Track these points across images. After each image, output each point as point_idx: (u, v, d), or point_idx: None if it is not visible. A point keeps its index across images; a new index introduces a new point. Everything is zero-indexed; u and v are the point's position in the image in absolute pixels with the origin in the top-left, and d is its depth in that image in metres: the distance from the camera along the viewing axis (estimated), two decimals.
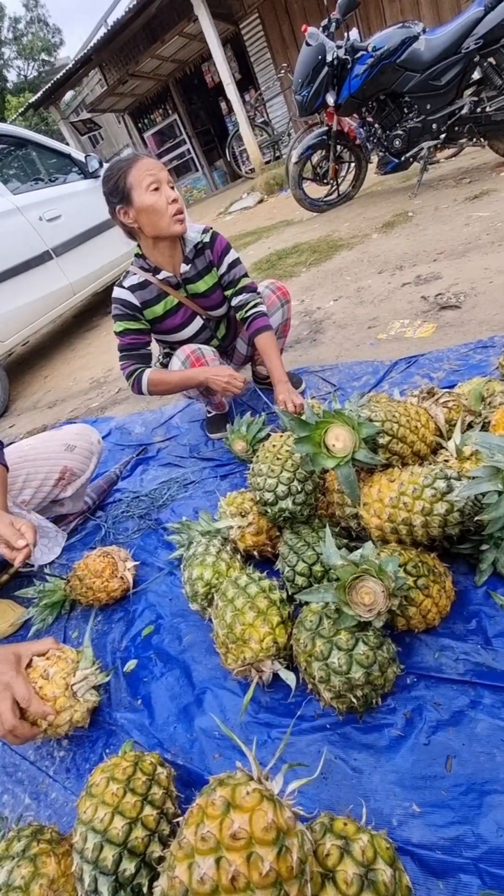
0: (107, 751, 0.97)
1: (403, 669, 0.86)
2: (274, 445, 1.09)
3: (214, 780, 0.57)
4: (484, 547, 0.94)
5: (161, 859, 0.67)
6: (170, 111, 12.15)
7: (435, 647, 0.90)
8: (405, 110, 3.97)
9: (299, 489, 1.00)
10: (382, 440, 0.93)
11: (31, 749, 1.04)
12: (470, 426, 1.10)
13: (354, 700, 0.79)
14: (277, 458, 1.05)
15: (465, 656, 0.87)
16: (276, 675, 0.90)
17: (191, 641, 1.13)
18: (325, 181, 4.81)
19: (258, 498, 1.05)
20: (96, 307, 5.52)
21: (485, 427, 1.06)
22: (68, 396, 3.47)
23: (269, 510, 1.03)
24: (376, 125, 4.17)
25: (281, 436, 1.14)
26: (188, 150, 12.33)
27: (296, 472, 1.02)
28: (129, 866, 0.66)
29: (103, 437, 2.55)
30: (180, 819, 0.57)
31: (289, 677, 0.87)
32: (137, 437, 2.45)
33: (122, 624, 1.25)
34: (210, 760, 0.88)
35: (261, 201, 7.78)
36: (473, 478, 0.78)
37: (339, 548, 0.85)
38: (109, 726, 1.01)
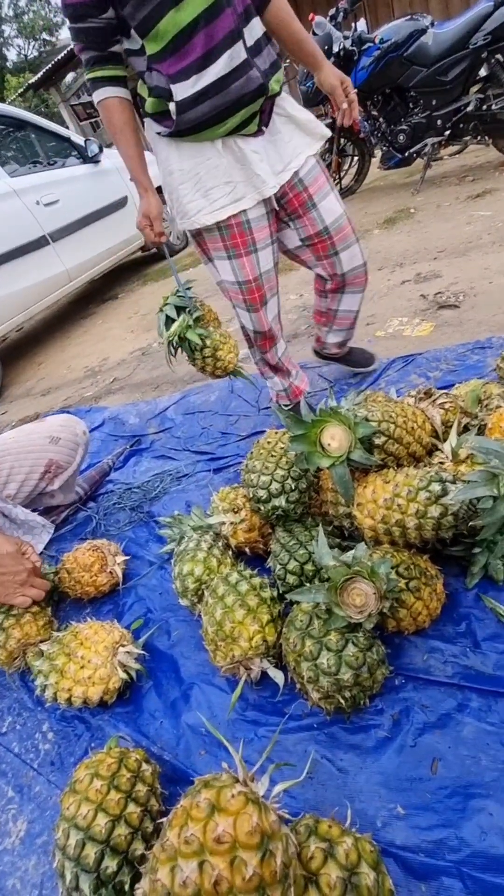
0: (92, 745, 0.96)
1: (392, 671, 0.86)
2: (269, 442, 1.08)
3: (200, 782, 0.57)
4: (476, 550, 0.94)
5: (143, 858, 0.67)
6: None
7: (424, 649, 0.90)
8: (410, 105, 3.93)
9: (293, 487, 0.99)
10: (378, 440, 0.92)
11: (15, 741, 1.03)
12: (466, 428, 1.09)
13: (342, 701, 0.78)
14: (272, 456, 1.04)
15: (453, 659, 0.87)
16: (264, 674, 0.90)
17: (180, 637, 1.12)
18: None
19: (251, 495, 1.04)
20: (93, 295, 5.45)
21: (481, 430, 1.05)
22: (62, 384, 3.44)
23: (262, 507, 1.02)
24: (381, 119, 4.12)
25: (276, 433, 1.13)
26: None
27: (290, 470, 1.01)
28: (111, 864, 0.65)
29: (96, 428, 2.53)
30: (163, 820, 0.57)
31: (277, 676, 0.87)
32: (131, 428, 2.43)
33: (111, 617, 1.24)
34: (196, 757, 0.88)
35: None
36: (469, 482, 0.78)
37: (332, 547, 0.85)
38: (96, 720, 1.00)
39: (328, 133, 1.34)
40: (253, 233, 1.30)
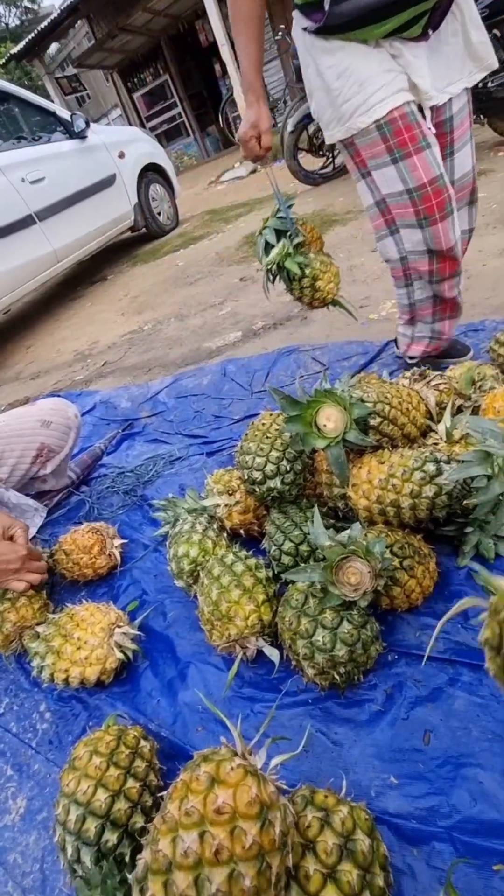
0: (90, 724, 0.97)
1: (385, 647, 0.87)
2: (263, 424, 1.07)
3: (199, 756, 0.58)
4: (468, 529, 0.95)
5: (143, 830, 0.68)
6: (161, 71, 11.57)
7: (416, 625, 0.92)
8: None
9: (288, 469, 0.99)
10: (373, 421, 0.92)
11: (13, 721, 1.04)
12: (459, 410, 1.10)
13: (337, 676, 0.80)
14: (266, 437, 1.03)
15: (445, 635, 0.89)
16: (259, 652, 0.91)
17: (175, 617, 1.13)
18: (320, 153, 4.67)
19: (246, 476, 1.04)
20: (82, 275, 5.35)
21: (475, 411, 1.06)
22: (52, 368, 3.39)
23: (257, 489, 1.02)
24: None
25: (271, 414, 1.13)
26: (179, 113, 11.82)
27: (285, 451, 1.00)
28: (111, 837, 0.67)
29: (88, 412, 2.50)
30: (164, 793, 0.58)
31: (273, 654, 0.88)
32: (123, 411, 2.41)
33: (107, 599, 1.24)
34: (193, 734, 0.89)
35: (253, 171, 7.54)
36: (463, 461, 0.78)
37: (327, 528, 0.85)
38: (93, 699, 1.01)
39: (496, 64, 1.12)
40: (422, 125, 1.06)
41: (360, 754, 0.78)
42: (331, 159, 4.75)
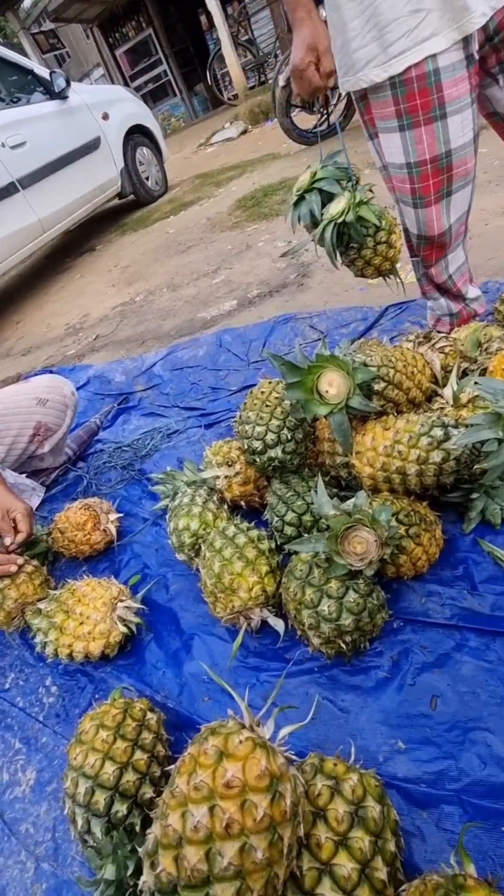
0: (96, 697, 0.97)
1: (391, 615, 0.86)
2: (263, 392, 1.03)
3: (206, 729, 0.56)
4: (474, 496, 0.93)
5: (153, 801, 0.68)
6: (144, 24, 10.89)
7: (422, 592, 0.91)
8: None
9: (289, 437, 0.96)
10: (378, 386, 0.88)
11: (19, 696, 1.04)
12: (465, 373, 1.06)
13: (343, 645, 0.79)
14: (266, 406, 1.00)
15: (451, 601, 0.88)
16: (264, 623, 0.90)
17: (178, 590, 1.12)
18: (314, 110, 4.44)
19: (246, 447, 1.01)
20: (69, 246, 5.16)
21: (482, 374, 1.02)
22: (42, 343, 3.30)
23: (258, 459, 0.99)
24: None
25: (270, 382, 1.08)
26: (165, 71, 11.20)
27: (285, 419, 0.97)
28: (121, 808, 0.67)
29: (81, 387, 2.45)
30: (171, 767, 0.57)
31: (277, 624, 0.87)
32: (118, 385, 2.36)
33: (108, 574, 1.23)
34: (200, 704, 0.89)
35: (244, 132, 7.21)
36: (473, 425, 0.75)
37: (330, 497, 0.83)
38: (99, 672, 1.01)
39: None
40: (442, 89, 0.93)
41: (367, 721, 0.78)
42: (325, 116, 4.52)
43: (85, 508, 1.23)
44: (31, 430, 1.54)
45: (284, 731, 0.59)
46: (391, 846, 0.56)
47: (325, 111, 4.48)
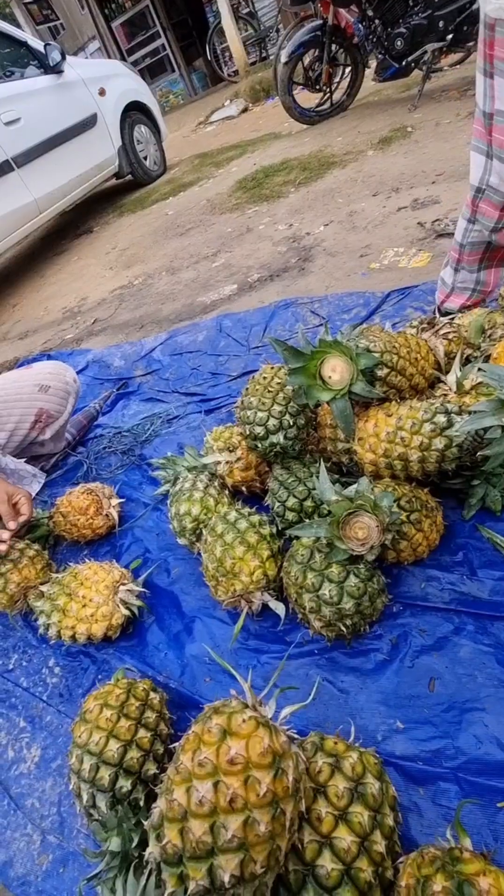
0: (99, 677, 0.99)
1: (391, 599, 0.87)
2: (265, 377, 1.03)
3: (210, 709, 0.57)
4: (475, 482, 0.93)
5: (156, 777, 0.70)
6: None
7: (422, 577, 0.92)
8: (410, 3, 3.51)
9: (291, 423, 0.96)
10: (381, 372, 0.88)
11: (23, 677, 1.06)
12: (468, 360, 1.05)
13: (343, 628, 0.80)
14: (268, 391, 0.99)
15: (450, 586, 0.89)
16: (265, 606, 0.91)
17: (179, 574, 1.13)
18: (317, 87, 4.33)
19: (248, 432, 1.01)
20: (65, 228, 5.07)
21: (486, 361, 1.01)
22: (40, 327, 3.27)
23: (260, 445, 0.99)
24: (377, 21, 3.70)
25: (272, 367, 1.08)
26: (163, 45, 10.87)
27: (287, 405, 0.97)
28: (125, 784, 0.68)
29: (80, 371, 2.43)
30: (175, 745, 0.58)
31: (278, 607, 0.88)
32: (117, 370, 2.34)
33: (110, 558, 1.24)
34: (201, 684, 0.91)
35: (245, 110, 7.04)
36: (476, 412, 0.75)
37: (332, 483, 0.83)
38: (101, 653, 1.02)
39: None
40: None
41: (366, 701, 0.79)
42: (328, 94, 4.42)
43: (87, 493, 1.24)
44: (33, 417, 1.53)
45: (286, 711, 0.60)
46: (389, 821, 0.58)
47: (328, 89, 4.37)
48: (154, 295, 2.93)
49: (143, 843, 0.60)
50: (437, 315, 1.50)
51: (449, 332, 1.04)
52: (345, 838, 0.54)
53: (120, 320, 2.83)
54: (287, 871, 0.54)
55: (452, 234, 2.23)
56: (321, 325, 1.96)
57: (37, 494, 1.58)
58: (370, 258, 2.30)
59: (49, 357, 2.62)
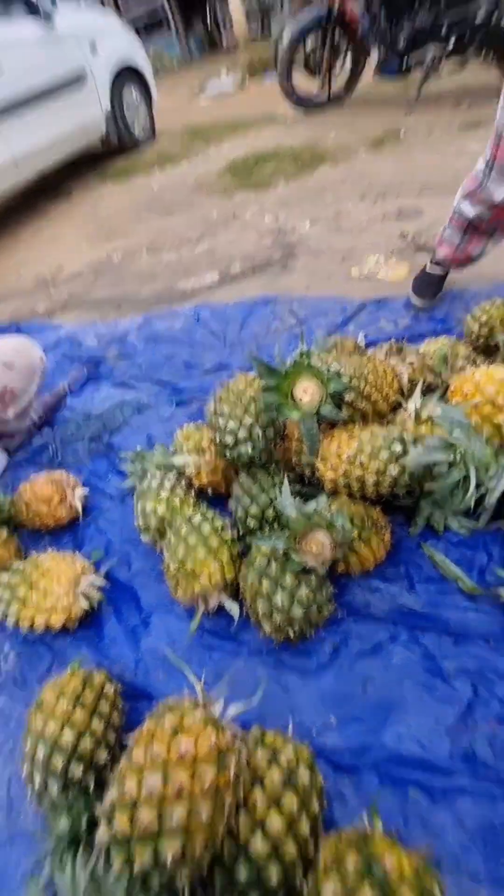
0: (55, 664, 1.02)
1: (336, 608, 0.95)
2: (239, 388, 1.07)
3: (163, 706, 0.63)
4: (422, 503, 1.01)
5: (106, 764, 0.75)
6: None
7: (366, 587, 1.00)
8: (417, 2, 3.51)
9: (260, 436, 1.01)
10: (348, 397, 0.93)
11: None
12: (430, 388, 1.13)
13: (292, 633, 0.87)
14: (240, 402, 1.03)
15: (390, 597, 0.97)
16: (220, 605, 0.97)
17: (139, 568, 1.17)
18: (317, 74, 4.28)
19: (218, 439, 1.05)
20: (44, 189, 4.83)
21: (445, 390, 1.09)
22: (8, 295, 3.14)
23: (229, 453, 1.03)
24: (382, 15, 3.67)
25: (245, 377, 1.12)
26: (162, 5, 10.32)
27: (258, 417, 1.01)
28: (76, 770, 0.73)
29: (51, 348, 2.37)
30: (128, 735, 0.63)
31: (233, 608, 0.94)
32: (89, 350, 2.30)
33: (71, 547, 1.26)
34: (154, 678, 0.96)
35: (242, 85, 6.85)
36: (428, 447, 0.82)
37: (293, 495, 0.89)
38: (58, 643, 1.06)
39: None
40: None
41: (306, 699, 0.87)
42: (326, 84, 4.37)
43: (51, 483, 1.25)
44: None
45: (232, 711, 0.66)
46: (315, 807, 0.65)
47: (327, 77, 4.32)
48: (133, 273, 2.87)
49: (91, 826, 0.66)
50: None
51: (414, 362, 1.10)
52: (275, 822, 0.61)
53: (96, 297, 2.76)
54: (223, 850, 0.60)
55: (431, 248, 2.31)
56: (297, 325, 2.01)
57: (0, 476, 1.56)
58: (351, 263, 2.35)
59: (18, 329, 2.54)
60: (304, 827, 0.63)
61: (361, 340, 1.49)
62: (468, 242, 1.58)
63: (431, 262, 1.78)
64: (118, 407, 1.82)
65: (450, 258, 1.67)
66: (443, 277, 1.79)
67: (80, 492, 1.30)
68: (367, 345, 1.52)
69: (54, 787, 0.71)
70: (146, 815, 0.52)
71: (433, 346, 1.20)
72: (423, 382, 1.07)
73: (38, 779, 0.72)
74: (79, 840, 0.68)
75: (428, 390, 1.12)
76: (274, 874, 0.58)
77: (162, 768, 0.55)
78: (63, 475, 1.29)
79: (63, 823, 0.68)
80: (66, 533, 1.31)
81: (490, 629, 0.87)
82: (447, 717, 0.79)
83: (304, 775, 0.66)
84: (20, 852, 0.79)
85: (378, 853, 0.58)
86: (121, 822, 0.53)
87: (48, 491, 1.23)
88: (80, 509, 1.28)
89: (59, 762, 0.72)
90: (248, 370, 1.54)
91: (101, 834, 0.54)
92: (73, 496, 1.27)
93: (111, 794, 0.56)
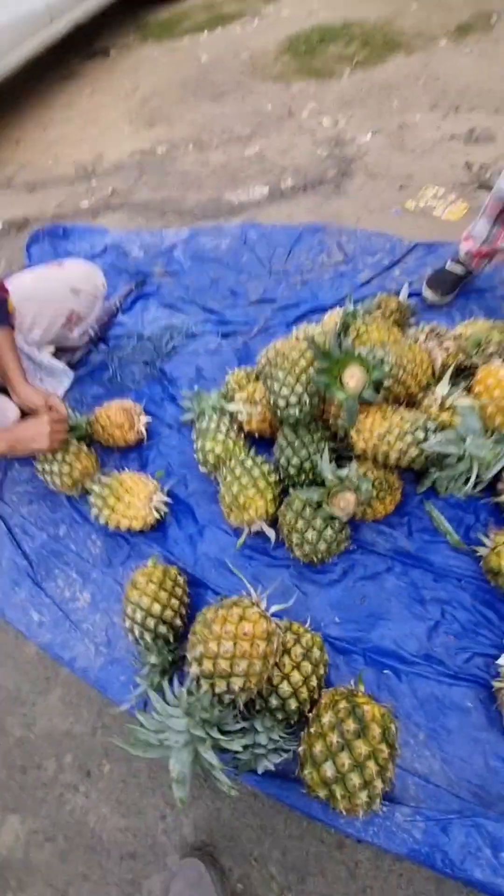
0: (131, 555, 1.36)
1: (350, 543, 1.24)
2: (292, 358, 1.21)
3: (230, 601, 0.94)
4: (431, 469, 1.25)
5: (180, 628, 1.10)
6: None
7: (374, 530, 1.28)
8: None
9: (308, 402, 1.20)
10: (387, 383, 1.12)
11: (72, 543, 1.42)
12: (463, 369, 1.28)
13: (315, 559, 1.17)
14: (294, 371, 1.20)
15: (392, 540, 1.26)
16: (259, 530, 1.27)
17: (195, 489, 1.46)
18: None
19: (271, 400, 1.24)
20: (76, 46, 4.24)
21: (472, 376, 1.25)
22: (49, 180, 3.04)
23: (280, 412, 1.24)
24: None
25: (297, 344, 1.25)
26: None
27: (307, 387, 1.20)
28: (161, 628, 1.08)
29: (98, 253, 2.42)
30: (198, 613, 0.95)
31: (271, 533, 1.24)
32: (135, 261, 2.34)
33: (137, 465, 1.54)
34: (209, 573, 1.30)
35: None
36: (444, 438, 1.03)
37: (330, 461, 1.12)
38: (134, 539, 1.38)
39: None
40: None
41: (319, 603, 1.21)
42: None
43: (123, 411, 1.48)
44: (65, 318, 1.68)
45: (274, 608, 0.97)
46: (321, 671, 1.00)
47: None
48: (178, 174, 2.77)
49: (171, 663, 1.02)
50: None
51: (450, 347, 1.25)
52: (296, 676, 0.96)
53: (140, 199, 2.71)
54: (263, 688, 0.96)
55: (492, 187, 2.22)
56: (343, 263, 2.04)
57: (68, 391, 1.79)
58: (408, 193, 2.28)
59: (65, 231, 2.55)
60: (314, 682, 0.98)
61: (405, 295, 1.55)
62: (500, 231, 1.45)
63: (452, 259, 1.68)
64: (167, 331, 1.96)
65: (473, 252, 1.56)
66: (461, 277, 1.68)
67: (145, 419, 1.54)
68: (410, 295, 1.61)
69: (147, 637, 1.07)
70: (223, 664, 0.85)
71: (471, 328, 1.33)
72: (456, 365, 1.24)
73: (136, 630, 1.08)
74: (165, 670, 1.05)
75: (460, 371, 1.28)
76: (293, 704, 0.94)
77: (233, 639, 0.87)
78: (132, 404, 1.53)
79: (154, 659, 1.05)
80: (133, 452, 1.58)
81: (463, 573, 1.17)
82: (419, 629, 1.13)
83: (315, 652, 1.00)
84: (119, 671, 1.19)
85: (359, 702, 0.92)
86: (207, 666, 0.87)
87: (121, 418, 1.47)
88: (144, 434, 1.54)
89: (150, 623, 1.07)
90: (292, 307, 1.73)
91: (194, 670, 0.88)
92: (140, 423, 1.52)
93: (199, 649, 0.89)
